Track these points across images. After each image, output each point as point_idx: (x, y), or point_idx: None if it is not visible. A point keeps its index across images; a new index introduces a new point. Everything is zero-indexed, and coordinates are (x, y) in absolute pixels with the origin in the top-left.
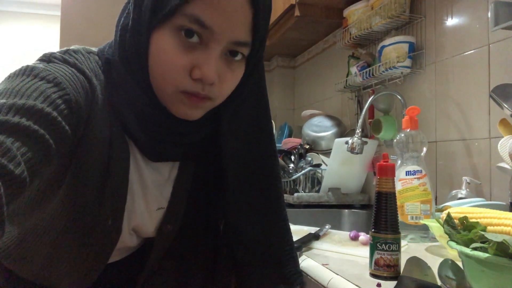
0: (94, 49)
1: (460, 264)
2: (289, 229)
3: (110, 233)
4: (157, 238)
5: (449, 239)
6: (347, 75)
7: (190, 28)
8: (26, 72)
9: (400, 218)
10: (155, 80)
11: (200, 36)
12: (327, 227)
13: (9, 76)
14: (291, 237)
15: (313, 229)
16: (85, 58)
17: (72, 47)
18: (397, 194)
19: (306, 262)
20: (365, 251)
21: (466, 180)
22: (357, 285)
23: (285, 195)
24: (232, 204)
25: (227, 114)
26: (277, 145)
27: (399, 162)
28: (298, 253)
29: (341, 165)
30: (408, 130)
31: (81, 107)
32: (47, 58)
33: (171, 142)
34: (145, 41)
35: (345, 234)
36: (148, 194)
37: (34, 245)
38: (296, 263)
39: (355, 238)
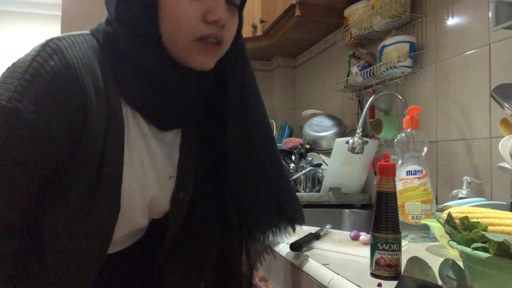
0: (82, 32)
1: (461, 264)
2: (291, 184)
3: (111, 208)
4: (172, 208)
5: (450, 239)
6: (348, 75)
7: None
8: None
9: (400, 218)
10: (170, 35)
11: None
12: (327, 227)
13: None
14: (294, 190)
15: (313, 229)
16: (63, 62)
17: (42, 54)
18: (397, 194)
19: (306, 262)
20: (366, 251)
21: (467, 180)
22: (357, 285)
23: None
24: (238, 163)
25: (228, 68)
26: (278, 145)
27: (399, 162)
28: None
29: (341, 165)
30: (408, 130)
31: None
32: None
33: (179, 106)
34: (154, 2)
35: (345, 234)
36: (158, 164)
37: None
38: (298, 208)
39: (355, 238)
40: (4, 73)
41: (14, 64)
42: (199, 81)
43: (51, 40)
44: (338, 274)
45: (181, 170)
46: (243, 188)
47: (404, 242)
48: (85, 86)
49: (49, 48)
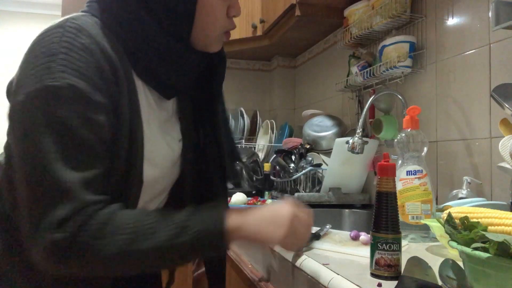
0: (80, 13)
1: (461, 264)
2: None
3: (136, 183)
4: (183, 170)
5: (450, 239)
6: (348, 75)
7: None
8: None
9: (400, 218)
10: (202, 29)
11: None
12: (327, 227)
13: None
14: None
15: (313, 229)
16: (88, 42)
17: (67, 34)
18: (397, 194)
19: (306, 262)
20: (366, 251)
21: (467, 180)
22: (357, 285)
23: (285, 195)
24: (220, 123)
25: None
26: (278, 145)
27: (399, 162)
28: (299, 251)
29: (341, 165)
30: (408, 130)
31: (109, 102)
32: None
33: (183, 78)
34: (194, 2)
35: (345, 234)
36: (170, 129)
37: None
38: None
39: (355, 238)
40: (28, 65)
41: (36, 52)
42: (202, 59)
43: (68, 20)
44: (338, 274)
45: (185, 132)
46: (224, 137)
47: (404, 242)
48: (113, 60)
49: (71, 28)
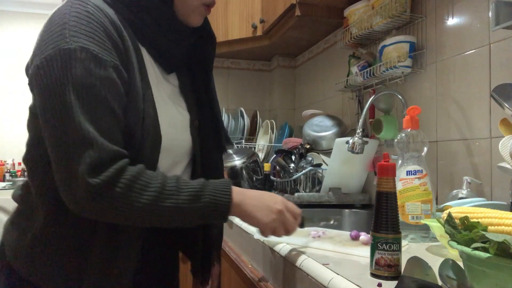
0: None
1: (461, 264)
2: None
3: (154, 140)
4: (192, 136)
5: (450, 239)
6: (348, 75)
7: None
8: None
9: (400, 218)
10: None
11: None
12: (331, 223)
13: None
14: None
15: (313, 229)
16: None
17: (74, 6)
18: (397, 194)
19: (306, 262)
20: (366, 251)
21: (467, 180)
22: (357, 285)
23: (285, 195)
24: (215, 98)
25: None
26: (278, 145)
27: (399, 162)
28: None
29: (341, 165)
30: (409, 130)
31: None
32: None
33: (178, 50)
34: None
35: (345, 234)
36: (176, 100)
37: None
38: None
39: (355, 238)
40: (44, 37)
41: (49, 27)
42: (190, 33)
43: None
44: (338, 274)
45: (188, 103)
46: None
47: (404, 242)
48: (117, 25)
49: (77, 0)
